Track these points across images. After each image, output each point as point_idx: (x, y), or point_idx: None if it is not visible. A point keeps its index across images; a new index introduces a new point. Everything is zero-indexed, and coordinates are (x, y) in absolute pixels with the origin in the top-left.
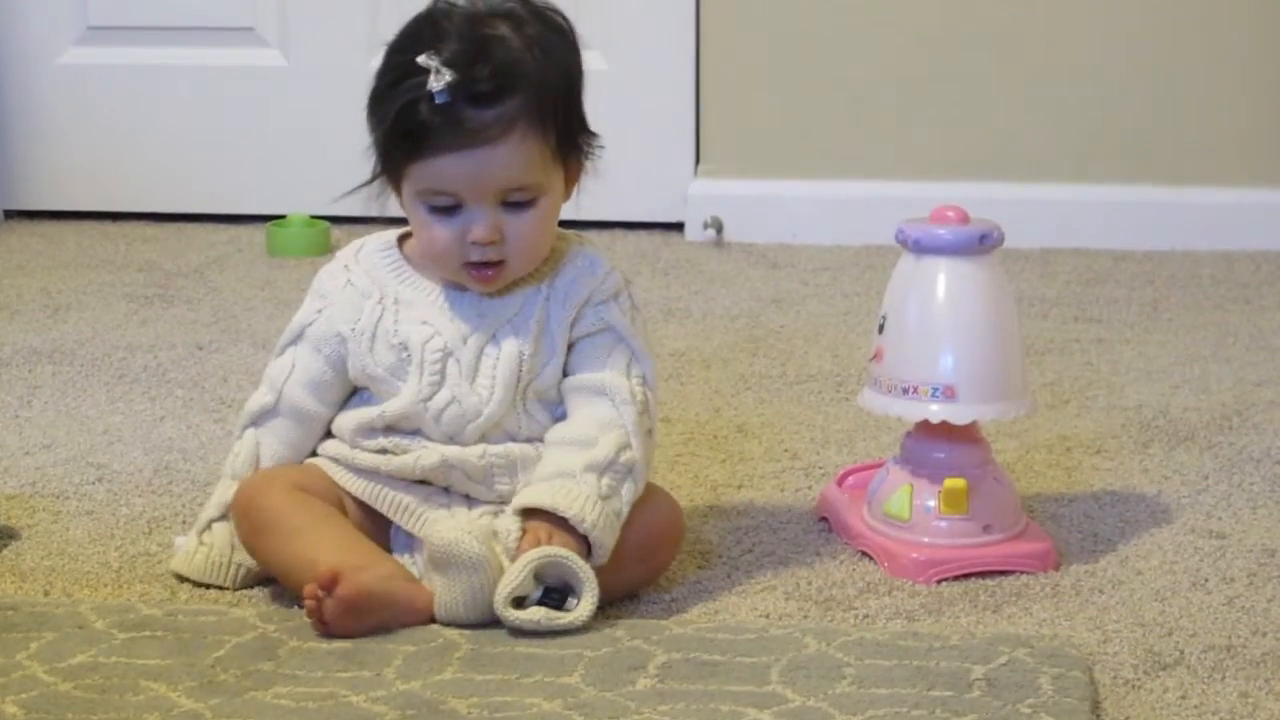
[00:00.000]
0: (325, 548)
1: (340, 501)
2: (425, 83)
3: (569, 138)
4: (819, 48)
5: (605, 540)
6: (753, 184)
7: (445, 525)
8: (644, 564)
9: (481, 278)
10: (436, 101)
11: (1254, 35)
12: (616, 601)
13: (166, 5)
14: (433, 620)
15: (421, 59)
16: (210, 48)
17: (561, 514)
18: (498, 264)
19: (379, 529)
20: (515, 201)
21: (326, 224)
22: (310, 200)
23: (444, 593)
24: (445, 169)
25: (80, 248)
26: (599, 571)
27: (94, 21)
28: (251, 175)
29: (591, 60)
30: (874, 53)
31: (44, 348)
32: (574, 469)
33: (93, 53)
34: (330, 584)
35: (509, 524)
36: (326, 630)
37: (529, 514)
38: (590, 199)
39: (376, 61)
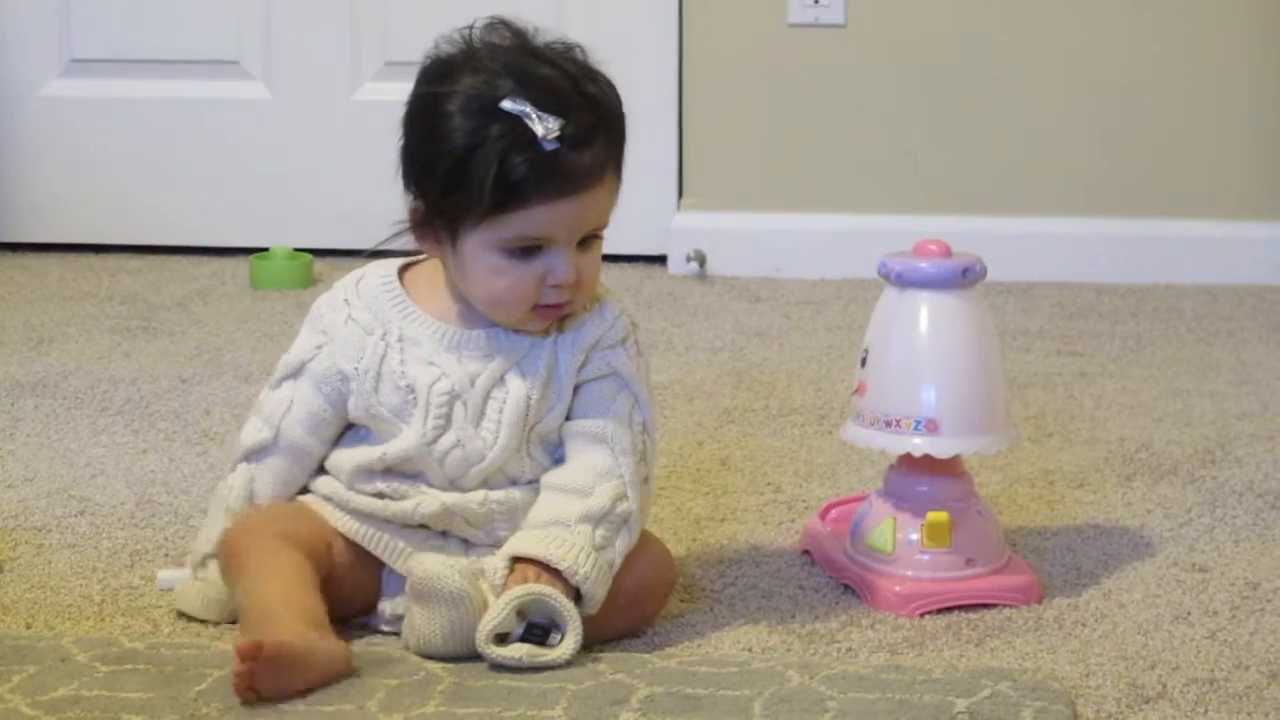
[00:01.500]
0: (258, 604)
1: (329, 545)
2: (516, 130)
3: None
4: (801, 82)
5: (597, 592)
6: (736, 217)
7: (429, 558)
8: (632, 613)
9: (551, 317)
10: (546, 149)
11: (1236, 71)
12: (601, 641)
13: (150, 38)
14: (351, 673)
15: (508, 105)
16: (194, 80)
17: (554, 565)
18: (568, 303)
19: (370, 570)
20: (585, 239)
21: (309, 256)
22: (293, 233)
23: (422, 625)
24: (547, 216)
25: (63, 280)
26: (587, 620)
27: (77, 54)
28: (235, 208)
29: None
30: (856, 87)
31: (27, 380)
32: (569, 518)
33: (76, 85)
34: (253, 652)
35: (497, 563)
36: (255, 695)
37: (521, 559)
38: None
39: (367, 97)
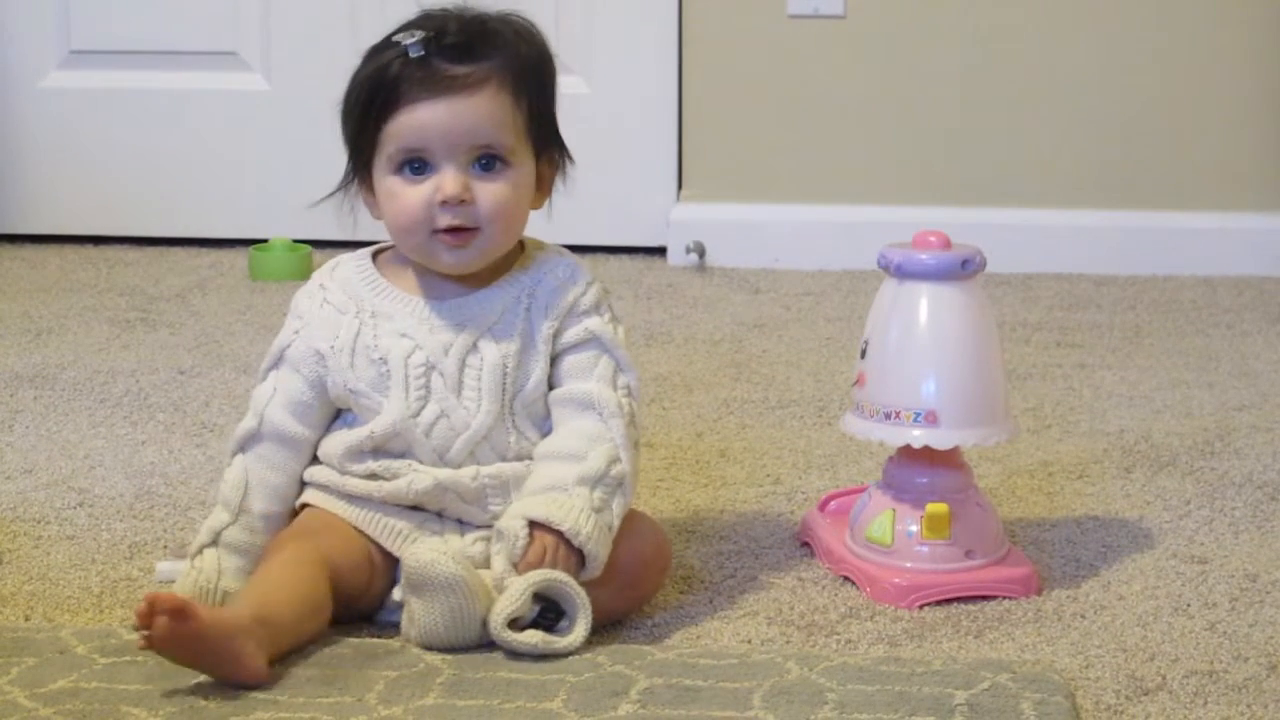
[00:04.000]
0: (247, 590)
1: (370, 561)
2: (392, 49)
3: (542, 127)
4: (801, 73)
5: (599, 553)
6: (735, 209)
7: (422, 547)
8: (629, 592)
9: (453, 243)
10: (411, 56)
11: (1236, 62)
12: (600, 627)
13: (149, 30)
14: (253, 687)
15: (397, 36)
16: (193, 72)
17: (556, 527)
18: (470, 231)
19: (388, 562)
20: (486, 165)
21: (309, 248)
22: (292, 224)
23: (423, 615)
24: (418, 119)
25: (62, 272)
26: (587, 592)
27: (76, 46)
28: (234, 199)
29: (574, 84)
30: (856, 78)
31: (25, 372)
32: (566, 482)
33: (75, 76)
34: (172, 613)
35: (517, 528)
36: (148, 643)
37: (536, 525)
38: (573, 223)
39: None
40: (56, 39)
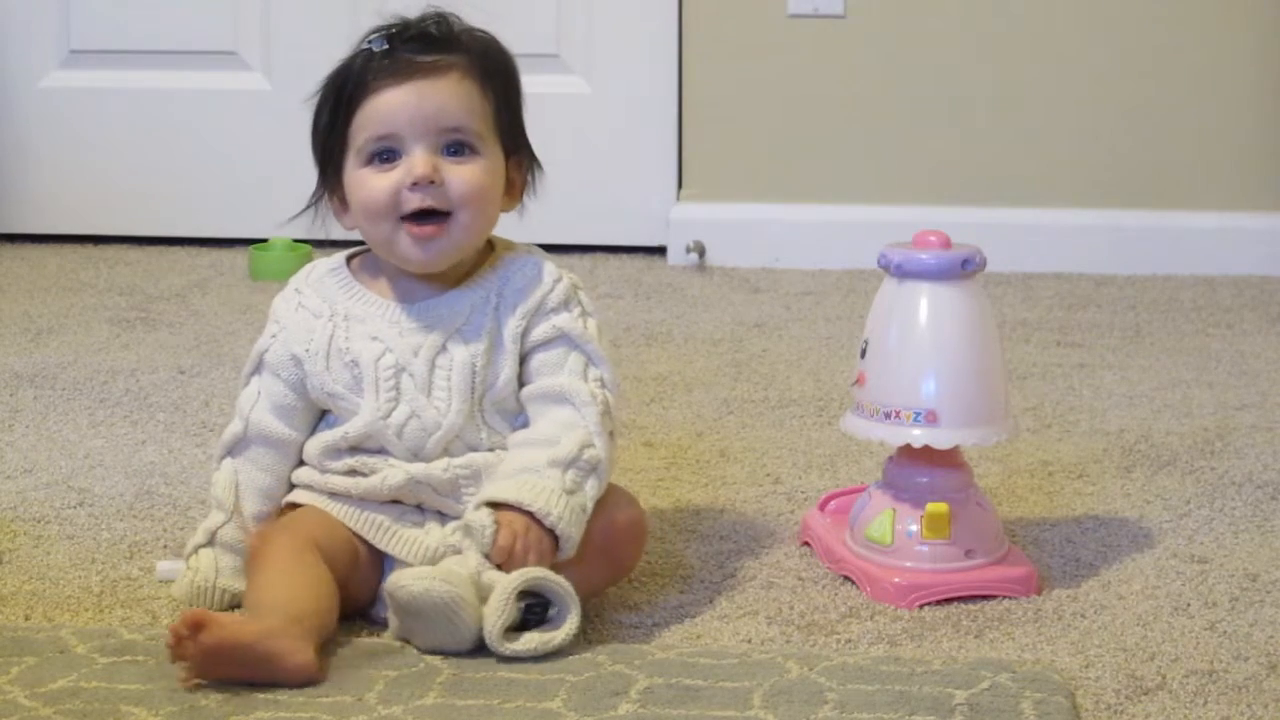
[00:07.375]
0: (265, 596)
1: (355, 552)
2: (358, 50)
3: (510, 126)
4: (801, 72)
5: (572, 533)
6: (735, 208)
7: (407, 575)
8: (607, 563)
9: (421, 234)
10: (375, 50)
11: (1236, 62)
12: (591, 617)
13: (149, 29)
14: (308, 683)
15: (363, 45)
16: (193, 71)
17: (526, 508)
18: (441, 217)
19: (373, 551)
20: (456, 150)
21: (309, 248)
22: (293, 224)
23: (422, 639)
24: (385, 104)
25: (62, 271)
26: (565, 570)
27: (76, 45)
28: (234, 199)
29: (574, 84)
30: (856, 77)
31: (25, 371)
32: (538, 465)
33: (75, 76)
34: (194, 627)
35: (483, 519)
36: (188, 669)
37: (502, 507)
38: (574, 223)
39: None
40: (56, 39)
